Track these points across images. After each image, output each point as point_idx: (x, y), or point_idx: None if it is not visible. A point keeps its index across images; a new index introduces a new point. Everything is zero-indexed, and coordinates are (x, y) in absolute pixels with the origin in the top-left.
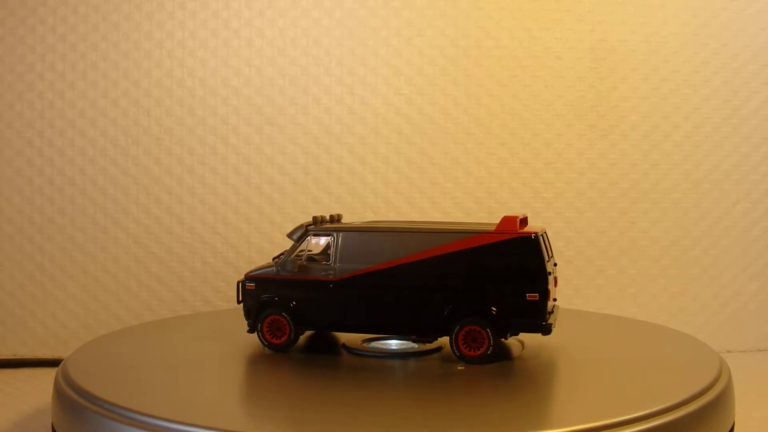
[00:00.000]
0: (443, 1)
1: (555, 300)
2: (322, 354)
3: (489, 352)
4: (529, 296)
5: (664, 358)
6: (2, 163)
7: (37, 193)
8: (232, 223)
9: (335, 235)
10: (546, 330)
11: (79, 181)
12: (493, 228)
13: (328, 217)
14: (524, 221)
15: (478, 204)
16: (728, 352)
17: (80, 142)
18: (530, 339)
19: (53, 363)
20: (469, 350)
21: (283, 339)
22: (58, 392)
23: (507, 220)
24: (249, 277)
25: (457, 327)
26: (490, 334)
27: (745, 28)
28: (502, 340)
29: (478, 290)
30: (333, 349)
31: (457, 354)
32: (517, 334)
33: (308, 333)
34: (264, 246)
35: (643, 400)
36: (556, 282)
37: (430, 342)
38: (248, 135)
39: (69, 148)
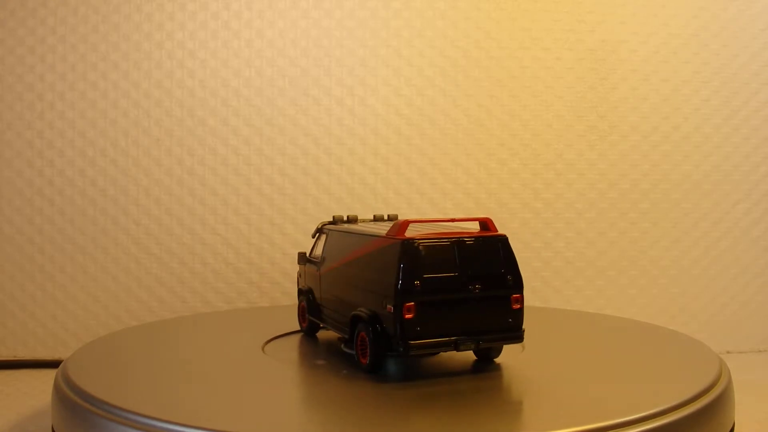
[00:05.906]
0: (443, 3)
1: (515, 325)
2: (322, 354)
3: (369, 361)
4: (388, 307)
5: (664, 358)
6: (2, 165)
7: (38, 195)
8: (233, 224)
9: (327, 233)
10: (401, 351)
11: (79, 183)
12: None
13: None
14: (486, 224)
15: (478, 205)
16: (728, 352)
17: (80, 143)
18: (530, 340)
19: (53, 364)
20: (363, 357)
21: (305, 324)
22: (57, 393)
23: (397, 225)
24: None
25: (356, 332)
26: (369, 343)
27: (745, 29)
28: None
29: (370, 296)
30: (333, 348)
31: (356, 358)
32: (392, 350)
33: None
34: (264, 247)
35: (643, 401)
36: (518, 301)
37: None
38: (248, 136)
39: (69, 150)
